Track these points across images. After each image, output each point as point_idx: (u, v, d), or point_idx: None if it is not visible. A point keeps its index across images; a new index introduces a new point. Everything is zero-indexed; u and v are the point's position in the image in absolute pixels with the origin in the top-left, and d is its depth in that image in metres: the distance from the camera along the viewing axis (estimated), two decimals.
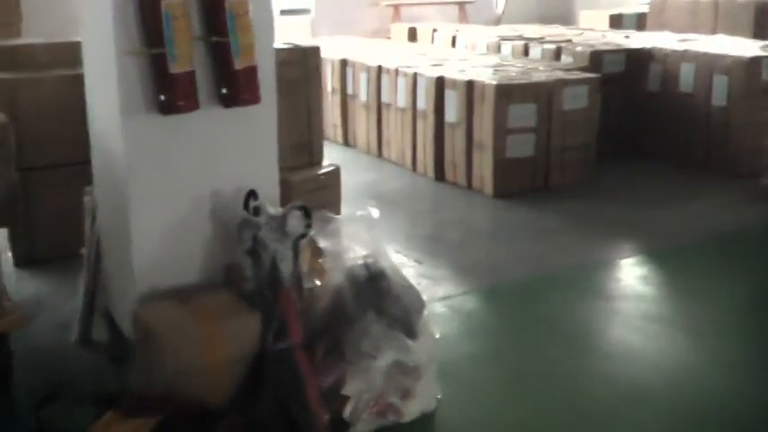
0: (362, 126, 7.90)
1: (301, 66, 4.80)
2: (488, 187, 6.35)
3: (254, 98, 3.50)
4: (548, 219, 5.97)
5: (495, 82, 6.30)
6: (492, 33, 9.30)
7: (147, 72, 3.36)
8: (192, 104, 3.40)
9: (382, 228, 3.62)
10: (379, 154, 7.67)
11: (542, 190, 6.50)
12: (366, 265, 3.50)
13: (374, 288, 3.45)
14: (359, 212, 3.58)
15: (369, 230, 3.56)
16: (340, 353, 3.34)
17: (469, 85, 6.46)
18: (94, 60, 3.65)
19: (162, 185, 3.51)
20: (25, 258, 5.02)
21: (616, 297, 4.72)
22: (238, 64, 3.41)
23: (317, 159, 4.84)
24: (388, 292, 3.45)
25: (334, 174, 4.85)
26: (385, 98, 7.52)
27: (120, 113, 3.41)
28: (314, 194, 4.67)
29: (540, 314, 4.45)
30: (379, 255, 3.53)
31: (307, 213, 3.51)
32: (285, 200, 4.36)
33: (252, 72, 3.47)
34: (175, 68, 3.30)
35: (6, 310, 3.66)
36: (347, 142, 8.19)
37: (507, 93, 6.23)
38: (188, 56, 3.33)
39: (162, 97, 3.32)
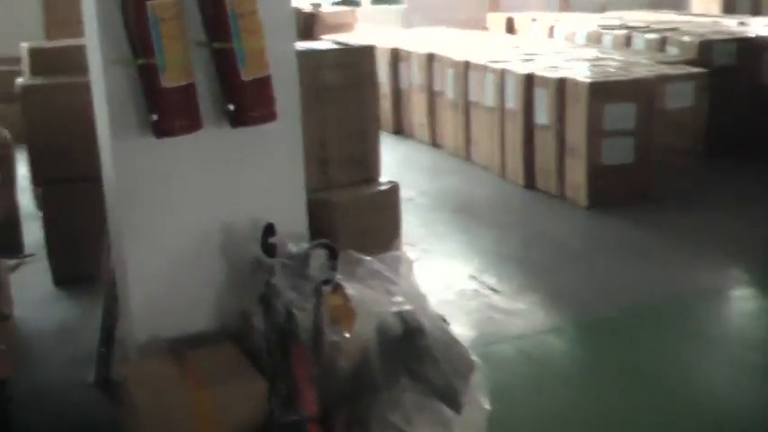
0: (449, 126, 7.21)
1: (353, 69, 4.12)
2: (581, 197, 5.57)
3: (266, 115, 2.87)
4: (647, 235, 5.16)
5: (588, 79, 5.50)
6: (594, 22, 8.43)
7: (140, 86, 2.76)
8: (192, 124, 2.79)
9: (420, 269, 2.94)
10: (467, 156, 6.96)
11: (642, 200, 5.66)
12: (401, 318, 2.83)
13: (409, 347, 2.78)
14: (394, 253, 2.91)
15: (406, 275, 2.88)
16: (364, 427, 2.68)
17: (561, 82, 5.69)
18: (92, 70, 3.08)
19: (161, 218, 2.93)
20: (66, 276, 4.53)
21: (726, 341, 3.90)
22: (245, 74, 2.78)
23: (372, 175, 4.17)
24: (427, 351, 2.77)
25: (391, 192, 4.17)
26: (473, 96, 6.80)
27: (109, 135, 2.83)
28: (365, 217, 4.00)
29: (631, 361, 3.68)
30: (417, 305, 2.85)
31: (332, 253, 2.87)
32: (329, 225, 3.77)
33: (263, 84, 2.84)
34: (167, 81, 2.70)
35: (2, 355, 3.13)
36: (434, 143, 7.52)
37: (602, 91, 5.43)
38: (183, 66, 2.73)
39: (154, 117, 2.72)
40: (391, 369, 2.74)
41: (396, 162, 7.19)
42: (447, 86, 7.18)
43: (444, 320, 2.96)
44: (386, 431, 2.65)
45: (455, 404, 2.74)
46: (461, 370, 2.79)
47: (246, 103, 2.81)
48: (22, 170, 4.62)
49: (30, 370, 3.80)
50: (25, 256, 4.85)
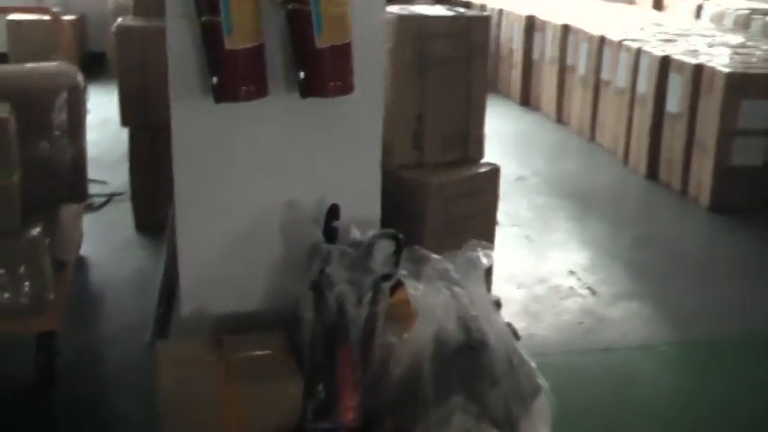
0: (577, 104, 6.76)
1: (463, 39, 3.77)
2: (705, 197, 5.07)
3: (342, 87, 2.57)
4: None
5: (726, 69, 4.97)
6: (746, 4, 7.73)
7: (202, 45, 2.51)
8: (257, 91, 2.53)
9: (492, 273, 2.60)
10: (592, 137, 6.51)
11: None
12: (464, 327, 2.51)
13: (468, 362, 2.47)
14: (470, 252, 2.58)
15: (476, 279, 2.56)
16: None
17: (697, 69, 5.17)
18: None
19: (219, 188, 2.69)
20: (147, 222, 4.42)
21: None
22: (320, 40, 2.49)
23: (473, 156, 3.82)
24: (488, 369, 2.46)
25: (491, 176, 3.82)
26: (605, 74, 6.34)
27: (171, 95, 2.60)
28: (460, 201, 3.68)
29: (729, 396, 3.26)
30: (485, 314, 2.53)
31: (398, 246, 2.57)
32: (417, 207, 3.47)
33: (341, 52, 2.54)
34: (232, 43, 2.44)
35: (45, 307, 2.99)
36: (560, 119, 7.08)
37: (739, 84, 4.90)
38: (251, 27, 2.46)
39: (214, 80, 2.47)
40: (445, 384, 2.44)
41: (515, 136, 6.82)
42: (580, 61, 6.73)
43: (515, 334, 2.64)
44: None
45: (513, 431, 2.42)
46: (524, 394, 2.46)
47: (319, 72, 2.53)
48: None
49: (91, 321, 3.68)
50: (111, 196, 4.76)
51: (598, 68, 6.40)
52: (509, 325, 2.66)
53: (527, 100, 7.64)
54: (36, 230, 3.03)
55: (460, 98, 3.78)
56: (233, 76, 2.46)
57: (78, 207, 3.63)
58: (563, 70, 7.00)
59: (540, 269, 4.26)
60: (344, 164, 2.77)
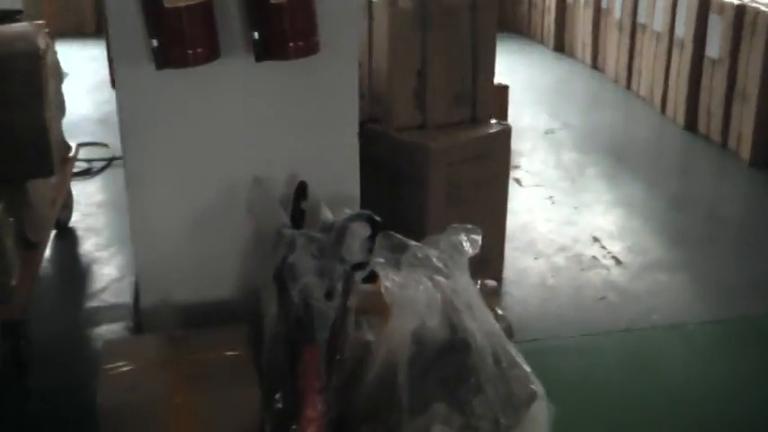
0: (613, 49, 6.28)
1: None
2: (745, 150, 4.62)
3: (304, 48, 2.21)
4: None
5: None
6: None
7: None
8: (205, 54, 2.18)
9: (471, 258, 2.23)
10: (628, 85, 6.05)
11: None
12: (448, 324, 2.16)
13: (451, 365, 2.12)
14: (454, 236, 2.22)
15: (462, 269, 2.20)
16: None
17: (739, 10, 4.67)
18: None
19: (172, 167, 2.36)
20: None
21: None
22: None
23: (481, 115, 3.43)
24: (472, 372, 2.10)
25: (501, 136, 3.43)
26: (641, 18, 5.84)
27: (114, 61, 2.26)
28: (467, 166, 3.31)
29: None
30: (470, 310, 2.17)
31: (374, 230, 2.22)
32: (417, 173, 3.11)
33: (303, 6, 2.17)
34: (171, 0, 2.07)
35: (5, 294, 2.70)
36: (595, 65, 6.60)
37: None
38: None
39: (154, 42, 2.12)
40: (424, 389, 2.10)
41: (547, 85, 6.39)
42: (615, 4, 6.24)
43: (509, 331, 2.28)
44: None
45: None
46: (515, 402, 2.11)
47: (276, 30, 2.16)
48: None
49: (76, 299, 3.40)
50: (112, 159, 4.48)
51: (634, 11, 5.92)
52: (503, 319, 2.32)
53: (561, 46, 7.16)
54: None
55: (466, 51, 3.38)
56: (175, 38, 2.11)
57: (58, 180, 3.32)
58: (598, 14, 6.52)
59: (561, 235, 3.88)
60: (316, 134, 2.42)
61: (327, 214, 2.32)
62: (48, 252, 3.65)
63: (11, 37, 2.94)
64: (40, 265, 3.05)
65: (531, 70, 6.68)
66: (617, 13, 6.20)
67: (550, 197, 4.31)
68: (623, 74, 6.09)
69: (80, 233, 3.92)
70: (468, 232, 2.18)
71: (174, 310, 2.44)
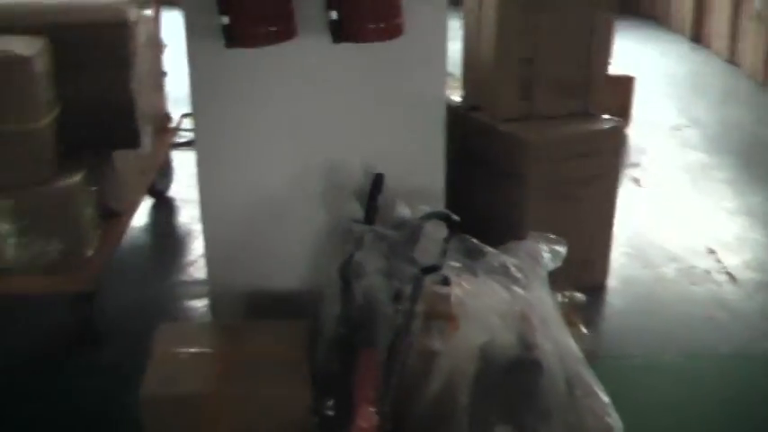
0: (751, 42, 5.85)
1: None
2: None
3: (385, 30, 2.05)
4: None
5: None
6: None
7: None
8: (279, 33, 2.04)
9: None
10: (765, 81, 5.61)
11: None
12: (520, 340, 1.97)
13: (519, 385, 1.93)
14: (535, 245, 2.02)
15: (540, 281, 1.99)
16: None
17: None
18: None
19: (243, 151, 2.24)
20: None
21: None
22: None
23: (594, 108, 3.19)
24: (542, 398, 1.91)
25: (613, 133, 3.17)
26: None
27: (186, 38, 2.15)
28: (572, 163, 3.08)
29: None
30: (547, 327, 1.97)
31: (451, 231, 2.05)
32: (521, 169, 2.91)
33: None
34: None
35: (77, 264, 2.66)
36: (732, 59, 6.16)
37: None
38: None
39: (224, 19, 1.99)
40: (487, 409, 1.92)
41: (679, 77, 6.01)
42: None
43: (592, 352, 2.07)
44: None
45: None
46: None
47: (355, 11, 1.99)
48: None
49: (165, 268, 3.35)
50: None
51: None
52: (586, 339, 2.10)
53: (698, 36, 6.73)
54: (74, 179, 2.68)
55: (581, 38, 3.14)
56: (247, 15, 1.97)
57: (153, 150, 3.27)
58: (737, 3, 6.07)
59: (675, 244, 3.59)
60: (398, 123, 2.26)
61: (403, 210, 2.16)
62: (142, 221, 3.63)
63: (99, 7, 2.88)
64: (122, 236, 2.99)
65: (664, 60, 6.30)
66: (756, 4, 5.76)
67: (668, 200, 4.01)
68: (760, 69, 5.66)
69: (178, 203, 3.88)
70: (550, 242, 1.98)
71: (240, 296, 2.33)
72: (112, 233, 2.89)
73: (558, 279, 2.99)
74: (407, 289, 2.03)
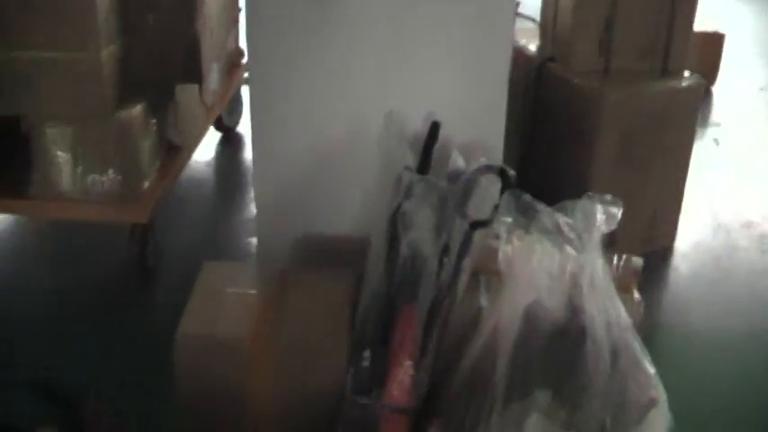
0: None
1: None
2: None
3: None
4: None
5: None
6: None
7: None
8: None
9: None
10: None
11: None
12: (570, 305, 1.89)
13: (563, 351, 1.86)
14: (590, 205, 1.93)
15: (593, 243, 1.91)
16: None
17: None
18: None
19: (298, 94, 2.18)
20: None
21: None
22: None
23: (674, 66, 3.04)
24: (586, 366, 1.83)
25: (691, 93, 3.02)
26: None
27: None
28: (644, 122, 2.95)
29: None
30: (597, 293, 1.89)
31: (505, 184, 1.98)
32: (593, 125, 2.80)
33: None
34: None
35: (133, 196, 2.67)
36: None
37: None
38: None
39: None
40: (528, 373, 1.85)
41: None
42: None
43: (642, 322, 1.98)
44: None
45: None
46: (629, 406, 1.83)
47: None
48: None
49: (218, 209, 3.36)
50: None
51: None
52: (638, 307, 2.01)
53: None
54: (133, 111, 2.68)
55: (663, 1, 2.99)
56: None
57: (222, 86, 3.24)
58: None
59: (751, 209, 3.44)
60: (459, 70, 2.18)
61: (458, 162, 2.08)
62: (208, 156, 3.63)
63: None
64: (182, 170, 2.99)
65: (757, 19, 6.01)
66: None
67: (747, 163, 3.84)
68: None
69: (246, 140, 3.87)
70: (606, 203, 1.88)
71: (289, 240, 2.30)
72: (172, 167, 2.88)
73: (620, 241, 2.91)
74: (456, 243, 1.96)
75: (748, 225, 3.31)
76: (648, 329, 2.26)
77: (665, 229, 3.14)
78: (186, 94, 2.99)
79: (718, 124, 4.16)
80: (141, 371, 2.40)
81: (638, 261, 2.13)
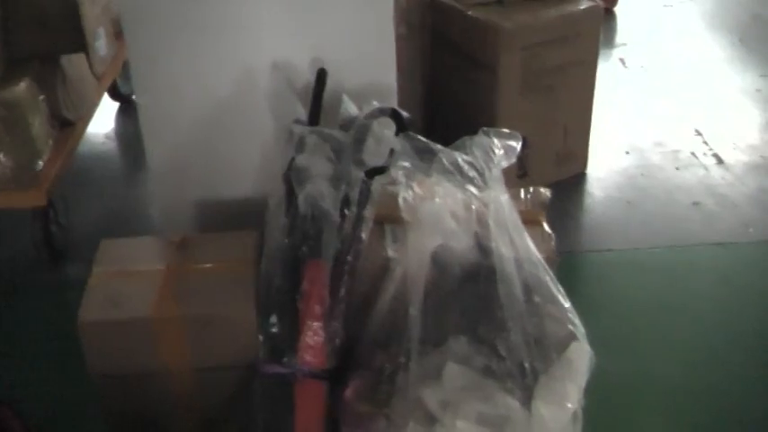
0: None
1: None
2: None
3: None
4: None
5: None
6: None
7: None
8: None
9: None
10: None
11: None
12: (479, 247, 1.80)
13: (474, 294, 1.77)
14: (486, 140, 1.83)
15: (495, 180, 1.81)
16: (381, 397, 1.77)
17: None
18: None
19: (180, 47, 2.03)
20: None
21: None
22: None
23: None
24: (499, 307, 1.75)
25: (590, 16, 2.92)
26: None
27: None
28: (547, 50, 2.85)
29: None
30: (504, 230, 1.80)
31: (399, 128, 1.87)
32: (493, 57, 2.70)
33: None
34: None
35: (28, 178, 2.51)
36: None
37: None
38: None
39: None
40: (441, 320, 1.77)
41: None
42: None
43: (552, 255, 1.90)
44: (409, 411, 1.71)
45: (526, 394, 1.73)
46: (547, 343, 1.75)
47: None
48: None
49: (122, 181, 3.19)
50: None
51: None
52: (548, 240, 1.93)
53: None
54: (19, 88, 2.50)
55: None
56: None
57: (111, 54, 3.05)
58: None
59: (661, 127, 3.39)
60: (345, 14, 2.03)
61: (350, 108, 1.96)
62: (108, 127, 3.45)
63: None
64: (76, 146, 2.82)
65: None
66: None
67: (655, 83, 3.79)
68: None
69: None
70: (503, 137, 1.79)
71: (188, 208, 2.17)
72: (66, 143, 2.71)
73: (533, 170, 2.84)
74: (356, 194, 1.85)
75: (659, 143, 3.26)
76: (567, 258, 2.21)
77: (578, 153, 3.08)
78: (74, 64, 2.81)
79: (624, 44, 4.09)
80: (53, 353, 2.27)
81: (545, 193, 2.05)
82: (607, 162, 3.14)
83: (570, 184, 2.96)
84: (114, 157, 3.38)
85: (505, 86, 2.83)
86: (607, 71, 3.56)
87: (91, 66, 2.90)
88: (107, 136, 3.40)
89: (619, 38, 4.15)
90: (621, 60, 3.92)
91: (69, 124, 2.77)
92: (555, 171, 3.00)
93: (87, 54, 2.83)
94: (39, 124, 2.59)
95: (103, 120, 3.39)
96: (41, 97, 2.62)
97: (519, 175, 2.82)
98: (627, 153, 3.21)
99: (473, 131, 1.84)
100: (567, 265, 2.33)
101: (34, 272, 2.66)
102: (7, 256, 2.75)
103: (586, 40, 2.91)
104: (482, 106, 2.89)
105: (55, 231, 2.66)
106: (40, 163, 2.56)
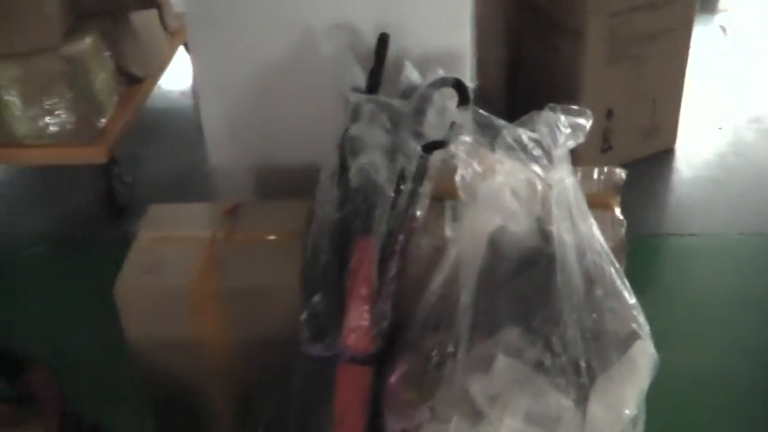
0: None
1: None
2: None
3: None
4: None
5: None
6: None
7: None
8: None
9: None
10: None
11: None
12: (539, 228, 1.66)
13: (535, 281, 1.63)
14: (554, 117, 1.67)
15: (562, 159, 1.66)
16: (428, 388, 1.65)
17: None
18: None
19: (238, 7, 1.92)
20: None
21: None
22: None
23: None
24: (556, 297, 1.61)
25: (684, 6, 2.70)
26: None
27: None
28: (635, 17, 2.65)
29: None
30: (568, 214, 1.65)
31: (462, 100, 1.73)
32: (579, 24, 2.53)
33: None
34: None
35: (90, 135, 2.46)
36: None
37: None
38: None
39: None
40: (494, 308, 1.64)
41: None
42: None
43: (621, 244, 1.74)
44: (454, 405, 1.59)
45: (582, 393, 1.59)
46: (607, 341, 1.60)
47: None
48: None
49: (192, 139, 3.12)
50: None
51: None
52: (617, 226, 1.77)
53: None
54: (84, 44, 2.44)
55: None
56: None
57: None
58: None
59: (757, 103, 3.14)
60: None
61: (412, 76, 1.82)
62: (186, 84, 3.39)
63: None
64: (143, 103, 2.76)
65: None
66: None
67: (758, 52, 3.52)
68: None
69: None
70: (571, 114, 1.62)
71: (243, 174, 2.07)
72: (132, 101, 2.65)
73: (618, 144, 2.66)
74: (411, 168, 1.72)
75: (756, 119, 3.02)
76: (646, 240, 2.05)
77: (666, 127, 2.87)
78: (145, 20, 2.74)
79: (725, 10, 3.81)
80: (103, 311, 2.23)
81: (620, 174, 1.88)
82: (697, 138, 2.92)
83: (656, 160, 2.77)
84: (189, 115, 3.30)
85: (592, 54, 2.64)
86: (704, 39, 3.32)
87: (163, 21, 2.83)
88: (183, 92, 3.34)
89: (722, 3, 3.87)
90: (722, 27, 3.65)
91: (138, 81, 2.70)
92: (641, 146, 2.80)
93: (159, 9, 2.75)
94: (103, 80, 2.54)
95: (182, 76, 3.33)
96: (107, 53, 2.56)
97: (603, 149, 2.65)
98: (720, 129, 2.98)
99: (556, 101, 1.69)
100: (645, 248, 2.18)
101: (96, 226, 2.62)
102: (73, 208, 2.73)
103: (681, 5, 2.70)
104: (566, 75, 2.71)
105: (118, 188, 2.61)
106: (103, 120, 2.50)
